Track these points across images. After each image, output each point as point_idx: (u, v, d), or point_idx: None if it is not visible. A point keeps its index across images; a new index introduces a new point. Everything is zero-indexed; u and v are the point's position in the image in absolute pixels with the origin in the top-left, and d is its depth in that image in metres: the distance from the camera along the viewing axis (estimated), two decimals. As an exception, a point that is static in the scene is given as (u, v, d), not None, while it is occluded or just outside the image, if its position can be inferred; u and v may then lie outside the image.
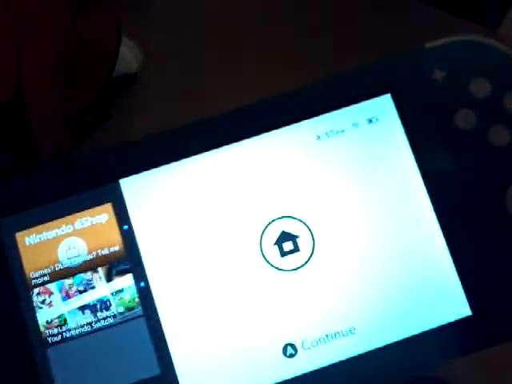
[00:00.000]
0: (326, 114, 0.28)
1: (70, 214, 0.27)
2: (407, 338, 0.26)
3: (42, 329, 0.27)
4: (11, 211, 0.27)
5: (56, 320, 0.27)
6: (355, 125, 0.28)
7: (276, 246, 0.27)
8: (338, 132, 0.28)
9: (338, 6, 0.41)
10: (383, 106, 0.28)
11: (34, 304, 0.27)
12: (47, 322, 0.27)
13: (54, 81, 0.31)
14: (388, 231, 0.27)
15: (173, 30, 0.40)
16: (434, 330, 0.26)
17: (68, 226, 0.27)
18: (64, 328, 0.27)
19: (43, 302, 0.27)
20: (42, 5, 0.30)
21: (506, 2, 0.38)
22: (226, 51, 0.40)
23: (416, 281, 0.26)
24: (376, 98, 0.28)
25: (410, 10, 0.40)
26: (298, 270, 0.27)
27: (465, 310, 0.26)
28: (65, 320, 0.27)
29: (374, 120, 0.28)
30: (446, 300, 0.26)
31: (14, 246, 0.27)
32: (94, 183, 0.27)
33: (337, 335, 0.26)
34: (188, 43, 0.40)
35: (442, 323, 0.26)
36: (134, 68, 0.38)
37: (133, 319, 0.27)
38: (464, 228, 0.27)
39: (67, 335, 0.27)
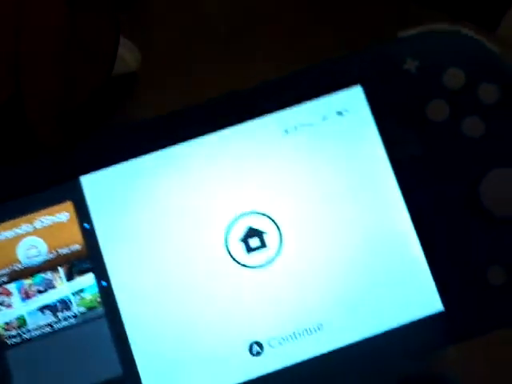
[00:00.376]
0: (294, 107, 0.27)
1: (29, 212, 0.26)
2: (377, 335, 0.25)
3: (0, 330, 0.26)
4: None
5: (15, 321, 0.26)
6: (324, 117, 0.27)
7: (242, 242, 0.26)
8: (306, 125, 0.27)
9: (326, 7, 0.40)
10: (353, 98, 0.27)
11: (-7, 305, 0.26)
12: (6, 324, 0.26)
13: (53, 80, 0.30)
14: (358, 226, 0.26)
15: (172, 30, 0.40)
16: (405, 325, 0.25)
17: (27, 225, 0.26)
18: (24, 329, 0.26)
19: (2, 303, 0.26)
20: (40, 4, 0.29)
21: (505, 4, 0.38)
22: (225, 52, 0.40)
23: (387, 276, 0.26)
24: (346, 90, 0.27)
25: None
26: (265, 266, 0.26)
27: (437, 306, 0.25)
28: (24, 321, 0.26)
29: (343, 112, 0.27)
30: (417, 296, 0.25)
31: (-28, 245, 0.26)
32: (54, 181, 0.27)
33: (304, 332, 0.25)
34: (187, 43, 0.40)
35: (414, 319, 0.25)
36: (133, 68, 0.38)
37: (94, 319, 0.26)
38: (436, 221, 0.26)
39: (27, 336, 0.26)
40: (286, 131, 0.27)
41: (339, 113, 0.27)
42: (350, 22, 0.39)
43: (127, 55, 0.37)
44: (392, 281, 0.25)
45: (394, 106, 0.27)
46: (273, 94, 0.27)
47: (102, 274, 0.26)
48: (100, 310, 0.26)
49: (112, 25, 0.33)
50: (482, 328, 0.25)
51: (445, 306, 0.25)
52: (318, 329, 0.25)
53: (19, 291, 0.26)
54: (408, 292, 0.25)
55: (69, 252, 0.26)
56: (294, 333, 0.25)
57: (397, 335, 0.25)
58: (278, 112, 0.27)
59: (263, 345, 0.25)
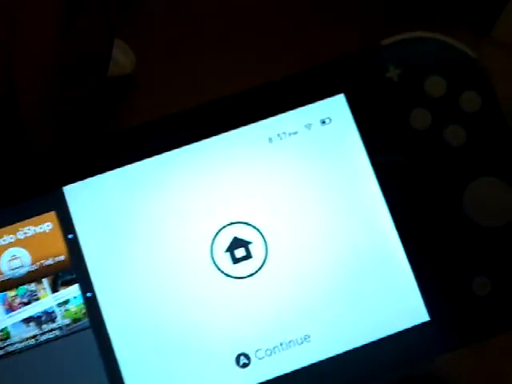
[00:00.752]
0: (278, 116, 0.27)
1: (11, 223, 0.26)
2: (364, 345, 0.25)
3: (-16, 343, 0.26)
4: None
5: (-1, 334, 0.26)
6: (308, 126, 0.27)
7: (228, 252, 0.26)
8: (290, 134, 0.27)
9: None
10: (336, 107, 0.27)
11: (-24, 318, 0.26)
12: (-10, 336, 0.26)
13: (46, 81, 0.30)
14: (343, 236, 0.26)
15: (168, 32, 0.39)
16: (391, 336, 0.25)
17: (10, 236, 0.26)
18: (8, 342, 0.26)
19: (-15, 315, 0.26)
20: (33, 4, 0.29)
21: (498, 7, 0.38)
22: (225, 53, 0.39)
23: (372, 286, 0.26)
24: (329, 99, 0.27)
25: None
26: (251, 276, 0.26)
27: (422, 316, 0.25)
28: (8, 333, 0.26)
29: (327, 121, 0.27)
30: (403, 306, 0.26)
31: (-46, 257, 0.26)
32: (37, 191, 0.26)
33: (291, 343, 0.25)
34: (184, 45, 0.39)
35: (400, 329, 0.25)
36: (128, 70, 0.37)
37: (80, 331, 0.26)
38: (421, 231, 0.26)
39: (11, 349, 0.25)
40: (270, 140, 0.27)
41: (323, 121, 0.27)
42: (347, 27, 0.39)
43: (122, 57, 0.37)
44: (377, 291, 0.26)
45: (377, 114, 0.27)
46: (256, 102, 0.27)
47: (86, 284, 0.26)
48: (85, 321, 0.26)
49: (106, 26, 0.33)
50: (468, 338, 0.25)
51: (430, 316, 0.25)
52: (305, 340, 0.25)
53: (3, 303, 0.26)
54: (394, 302, 0.26)
55: (53, 263, 0.26)
56: (280, 344, 0.25)
57: (383, 345, 0.25)
58: (261, 121, 0.27)
59: (250, 356, 0.25)
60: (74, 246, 0.26)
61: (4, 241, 0.26)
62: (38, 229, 0.26)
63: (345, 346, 0.25)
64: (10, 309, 0.26)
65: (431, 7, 0.39)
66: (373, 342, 0.25)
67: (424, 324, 0.25)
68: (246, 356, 0.25)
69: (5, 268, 0.26)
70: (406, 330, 0.25)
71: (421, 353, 0.25)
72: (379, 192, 0.26)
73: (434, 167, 0.26)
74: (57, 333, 0.26)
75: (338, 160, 0.26)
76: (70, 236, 0.26)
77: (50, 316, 0.26)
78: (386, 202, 0.26)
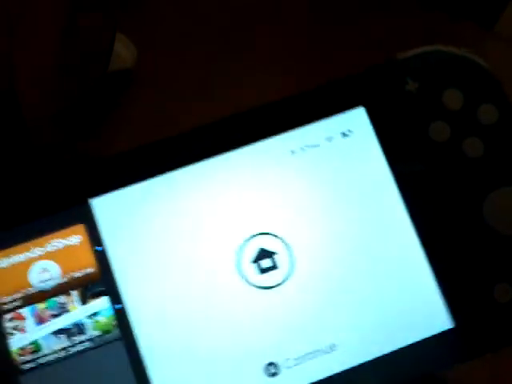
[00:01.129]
0: (300, 129, 0.27)
1: (40, 236, 0.27)
2: (389, 353, 0.26)
3: (15, 356, 0.26)
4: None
5: (30, 346, 0.26)
6: (329, 139, 0.27)
7: (254, 263, 0.27)
8: (312, 146, 0.27)
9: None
10: (357, 119, 0.27)
11: (6, 330, 0.26)
12: (20, 349, 0.26)
13: (48, 76, 0.30)
14: (366, 246, 0.27)
15: (170, 29, 0.40)
16: (417, 343, 0.26)
17: (39, 249, 0.26)
18: (38, 354, 0.26)
19: (15, 327, 0.26)
20: (36, 5, 0.29)
21: (502, 2, 0.39)
22: (225, 53, 0.39)
23: (397, 296, 0.26)
24: (349, 112, 0.28)
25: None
26: (278, 287, 0.26)
27: (446, 323, 0.26)
28: (38, 346, 0.26)
29: (348, 133, 0.27)
30: (427, 313, 0.26)
31: (-18, 270, 0.26)
32: (65, 204, 0.27)
33: (318, 353, 0.26)
34: (186, 42, 0.40)
35: (424, 336, 0.26)
36: (129, 65, 0.37)
37: (109, 342, 0.26)
38: (444, 241, 0.27)
39: (42, 361, 0.26)
40: (293, 152, 0.27)
41: (344, 134, 0.27)
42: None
43: (123, 51, 0.37)
44: (402, 299, 0.26)
45: (398, 126, 0.27)
46: (278, 115, 0.28)
47: (115, 296, 0.26)
48: (115, 332, 0.26)
49: (108, 25, 0.33)
50: (491, 345, 0.26)
51: (455, 323, 0.26)
52: (332, 349, 0.26)
53: (33, 316, 0.26)
54: (418, 310, 0.26)
55: (82, 275, 0.26)
56: (308, 353, 0.26)
57: (408, 353, 0.26)
58: (284, 133, 0.27)
59: (279, 365, 0.26)
60: (102, 258, 0.26)
61: (33, 253, 0.26)
62: (67, 241, 0.27)
63: (370, 355, 0.26)
64: (40, 321, 0.26)
65: (434, 3, 0.40)
66: (398, 350, 0.26)
67: (448, 331, 0.26)
68: (275, 365, 0.26)
69: (34, 281, 0.26)
70: (430, 338, 0.26)
71: (444, 360, 0.26)
72: (401, 202, 0.27)
73: (455, 178, 0.27)
74: (87, 344, 0.26)
75: (359, 171, 0.27)
76: (99, 248, 0.27)
77: (79, 328, 0.26)
78: (408, 211, 0.27)
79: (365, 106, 0.28)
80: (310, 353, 0.26)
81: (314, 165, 0.27)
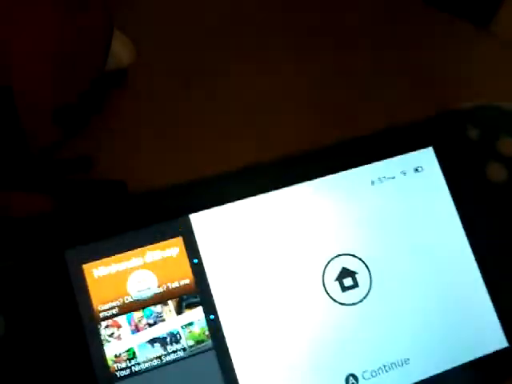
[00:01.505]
0: (379, 162, 0.30)
1: (140, 246, 0.27)
2: (453, 368, 0.29)
3: (110, 362, 0.26)
4: (77, 242, 0.27)
5: (125, 353, 0.26)
6: (403, 172, 0.30)
7: (337, 281, 0.29)
8: (389, 178, 0.30)
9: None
10: (427, 158, 0.31)
11: (102, 337, 0.26)
12: (116, 356, 0.26)
13: (45, 74, 0.30)
14: (433, 270, 0.30)
15: (168, 28, 0.40)
16: (476, 360, 0.29)
17: (138, 259, 0.27)
18: (133, 361, 0.26)
19: (111, 335, 0.26)
20: (34, 4, 0.29)
21: (496, 1, 0.41)
22: (226, 52, 0.39)
23: (460, 317, 0.29)
24: (421, 150, 0.31)
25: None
26: (358, 304, 0.29)
27: (502, 342, 0.29)
28: (134, 353, 0.26)
29: (419, 169, 0.30)
30: (485, 334, 0.29)
31: (81, 277, 0.26)
32: (165, 217, 0.28)
33: (393, 365, 0.28)
34: (186, 42, 0.40)
35: (482, 354, 0.29)
36: (126, 63, 0.37)
37: (203, 352, 0.27)
38: (500, 269, 0.30)
39: (136, 369, 0.26)
40: (373, 182, 0.30)
41: (415, 169, 0.30)
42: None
43: (121, 50, 0.37)
44: (464, 320, 0.29)
45: (460, 165, 0.31)
46: (362, 149, 0.30)
47: (210, 307, 0.27)
48: (208, 343, 0.27)
49: (105, 24, 0.34)
50: None
51: (509, 342, 0.29)
52: (405, 362, 0.28)
53: (129, 324, 0.27)
54: (477, 330, 0.29)
55: (178, 286, 0.27)
56: (384, 366, 0.28)
57: (469, 368, 0.29)
58: (365, 166, 0.30)
59: (358, 377, 0.28)
60: (198, 271, 0.27)
61: (132, 263, 0.27)
62: (165, 253, 0.27)
63: (438, 369, 0.29)
64: (136, 330, 0.27)
65: (434, 2, 0.42)
66: (460, 365, 0.29)
67: (503, 350, 0.29)
68: (355, 377, 0.28)
69: (132, 290, 0.27)
70: (488, 355, 0.29)
71: (500, 374, 0.29)
72: (464, 234, 0.30)
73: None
74: (181, 354, 0.27)
75: (428, 203, 0.30)
76: (195, 261, 0.28)
77: (174, 337, 0.27)
78: (470, 243, 0.30)
79: (433, 146, 0.31)
80: (386, 365, 0.28)
81: (390, 194, 0.30)
